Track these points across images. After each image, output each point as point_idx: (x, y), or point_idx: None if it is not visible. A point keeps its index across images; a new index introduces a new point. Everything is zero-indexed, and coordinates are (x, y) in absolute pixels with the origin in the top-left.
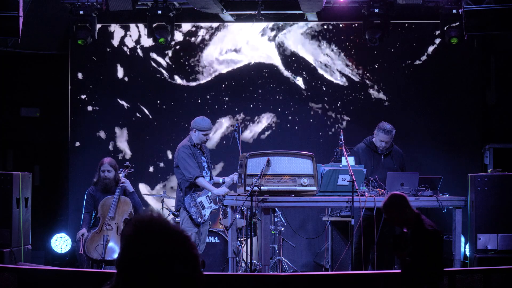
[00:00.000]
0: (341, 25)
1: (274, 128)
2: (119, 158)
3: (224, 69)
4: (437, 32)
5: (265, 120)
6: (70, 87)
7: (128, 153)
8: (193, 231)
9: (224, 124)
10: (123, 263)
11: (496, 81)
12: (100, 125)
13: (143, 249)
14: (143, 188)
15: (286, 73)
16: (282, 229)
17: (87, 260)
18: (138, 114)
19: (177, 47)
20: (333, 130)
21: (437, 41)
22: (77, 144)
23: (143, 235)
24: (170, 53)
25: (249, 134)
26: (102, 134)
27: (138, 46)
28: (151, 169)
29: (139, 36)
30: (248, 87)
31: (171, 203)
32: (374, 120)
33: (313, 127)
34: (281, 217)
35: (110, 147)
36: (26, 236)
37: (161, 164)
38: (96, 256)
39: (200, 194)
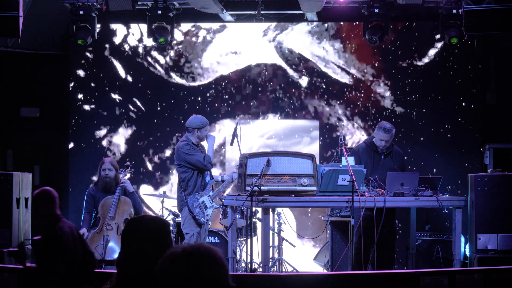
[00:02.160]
0: (342, 24)
1: (275, 128)
2: (120, 158)
3: (225, 69)
4: (437, 33)
5: (267, 120)
6: (70, 87)
7: (129, 153)
8: (195, 231)
9: (225, 124)
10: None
11: (496, 81)
12: (101, 125)
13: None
14: (146, 188)
15: (288, 73)
16: (282, 229)
17: None
18: (139, 114)
19: (179, 46)
20: (333, 129)
21: (437, 41)
22: (77, 144)
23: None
24: (172, 52)
25: (250, 134)
26: (102, 134)
27: (139, 46)
28: (152, 168)
29: (140, 35)
30: (250, 88)
31: (171, 203)
32: (375, 120)
33: (314, 126)
34: (281, 217)
35: (111, 147)
36: (26, 236)
37: (164, 164)
38: (96, 256)
39: (202, 194)
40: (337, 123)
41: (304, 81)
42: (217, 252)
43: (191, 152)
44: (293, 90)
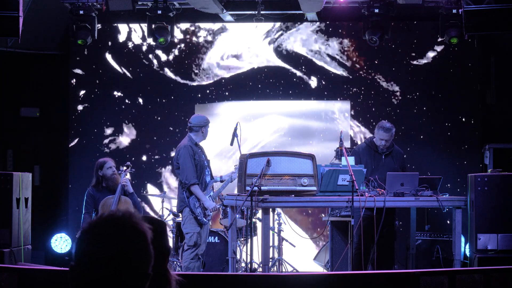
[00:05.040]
0: (344, 23)
1: (276, 128)
2: (120, 157)
3: (227, 70)
4: (437, 33)
5: (267, 120)
6: (70, 87)
7: (129, 153)
8: (196, 230)
9: (225, 125)
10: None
11: (496, 81)
12: (101, 125)
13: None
14: (149, 188)
15: (289, 73)
16: (282, 229)
17: None
18: (140, 114)
19: (182, 45)
20: (333, 129)
21: (437, 41)
22: (77, 143)
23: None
24: (176, 51)
25: (251, 134)
26: (102, 134)
27: (139, 46)
28: (152, 168)
29: (141, 35)
30: (252, 88)
31: (171, 203)
32: (375, 119)
33: (315, 126)
34: (281, 217)
35: (111, 147)
36: (26, 236)
37: (164, 164)
38: None
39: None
40: (337, 122)
41: (305, 81)
42: (135, 220)
43: (187, 159)
44: (294, 90)
